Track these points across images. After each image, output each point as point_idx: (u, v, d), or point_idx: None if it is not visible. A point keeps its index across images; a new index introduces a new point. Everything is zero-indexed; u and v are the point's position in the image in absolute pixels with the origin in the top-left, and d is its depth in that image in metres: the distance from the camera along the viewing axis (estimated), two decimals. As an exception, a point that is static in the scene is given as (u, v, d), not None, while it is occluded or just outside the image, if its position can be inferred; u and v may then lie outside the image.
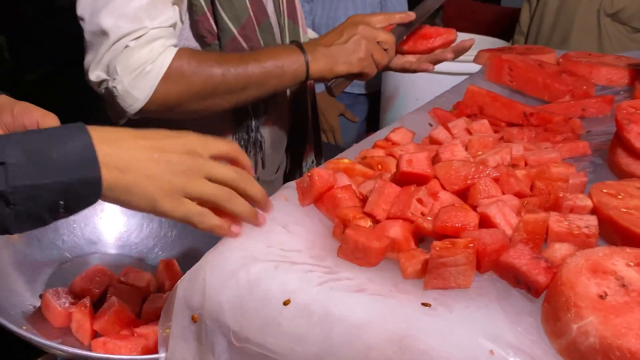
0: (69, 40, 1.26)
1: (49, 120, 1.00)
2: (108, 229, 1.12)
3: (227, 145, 0.81)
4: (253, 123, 1.35)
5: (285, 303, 0.74)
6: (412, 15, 1.36)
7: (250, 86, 1.22)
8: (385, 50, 1.30)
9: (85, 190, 0.69)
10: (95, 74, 1.18)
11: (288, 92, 1.44)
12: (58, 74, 1.92)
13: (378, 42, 1.29)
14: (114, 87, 1.16)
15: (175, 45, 1.20)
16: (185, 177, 0.74)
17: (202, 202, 0.78)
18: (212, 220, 0.77)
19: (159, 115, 1.22)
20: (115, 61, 1.15)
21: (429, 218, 0.82)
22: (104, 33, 1.14)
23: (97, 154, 0.68)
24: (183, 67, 1.18)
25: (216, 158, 0.80)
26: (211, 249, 0.81)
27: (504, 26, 3.03)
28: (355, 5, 2.27)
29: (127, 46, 1.14)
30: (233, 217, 0.81)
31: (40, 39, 2.34)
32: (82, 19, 1.15)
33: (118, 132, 0.74)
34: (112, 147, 0.71)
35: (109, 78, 1.16)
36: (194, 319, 0.78)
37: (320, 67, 1.25)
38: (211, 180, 0.77)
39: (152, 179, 0.72)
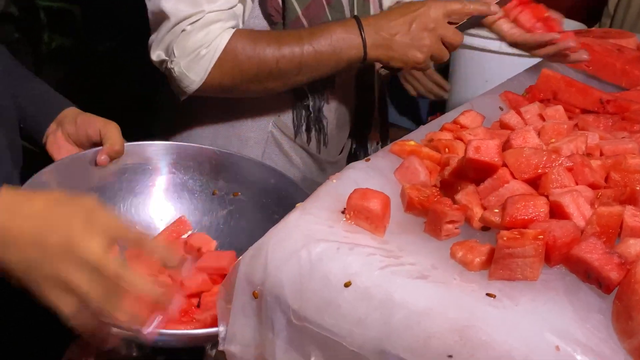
0: (140, 13, 1.28)
1: (110, 128, 1.06)
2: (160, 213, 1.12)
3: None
4: (311, 103, 1.35)
5: (346, 285, 0.74)
6: (494, 8, 1.26)
7: (304, 71, 1.22)
8: (447, 47, 1.23)
9: None
10: (156, 54, 1.21)
11: (354, 74, 1.43)
12: (129, 47, 1.95)
13: (445, 40, 1.22)
14: (172, 68, 1.19)
15: (234, 27, 1.21)
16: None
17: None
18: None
19: (216, 95, 1.25)
20: (173, 43, 1.18)
21: (496, 210, 0.80)
22: (164, 15, 1.17)
23: None
24: (237, 51, 1.19)
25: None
26: (274, 227, 0.81)
27: (579, 7, 2.90)
28: None
29: (184, 30, 1.17)
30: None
31: (112, 10, 2.38)
32: None
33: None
34: None
35: (167, 59, 1.20)
36: (254, 295, 0.78)
37: (377, 55, 1.22)
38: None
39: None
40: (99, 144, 1.07)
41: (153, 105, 1.50)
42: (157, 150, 1.13)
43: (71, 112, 1.12)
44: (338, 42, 1.20)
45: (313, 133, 1.38)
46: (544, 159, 0.84)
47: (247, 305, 0.79)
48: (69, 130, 1.10)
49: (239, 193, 1.13)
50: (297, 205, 0.86)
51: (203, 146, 1.17)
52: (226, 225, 1.11)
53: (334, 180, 0.90)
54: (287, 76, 1.22)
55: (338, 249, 0.77)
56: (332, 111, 1.39)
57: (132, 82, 1.38)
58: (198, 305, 0.97)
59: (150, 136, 1.53)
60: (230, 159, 1.14)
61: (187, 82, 1.20)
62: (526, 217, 0.76)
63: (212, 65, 1.18)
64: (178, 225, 1.09)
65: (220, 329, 0.81)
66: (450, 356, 0.66)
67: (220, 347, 0.80)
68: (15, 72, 1.14)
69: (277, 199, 1.09)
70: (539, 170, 0.83)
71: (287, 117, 1.36)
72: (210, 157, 1.14)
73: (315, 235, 0.79)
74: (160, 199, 1.12)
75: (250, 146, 1.37)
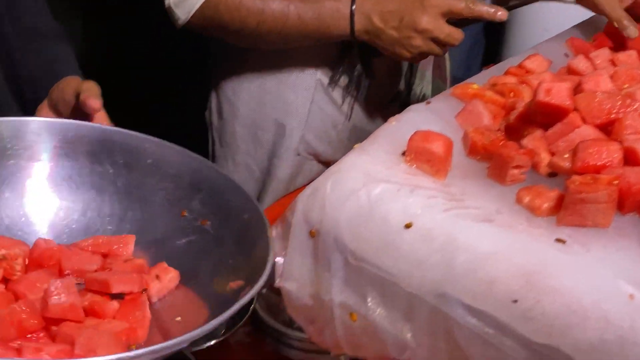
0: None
1: (86, 84, 0.96)
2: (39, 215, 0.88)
3: None
4: (358, 56, 1.31)
5: (407, 226, 0.72)
6: (501, 16, 1.15)
7: (287, 39, 1.22)
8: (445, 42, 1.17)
9: None
10: None
11: None
12: None
13: (438, 40, 1.15)
14: None
15: None
16: None
17: None
18: None
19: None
20: None
21: (566, 156, 0.77)
22: None
23: None
24: (219, 5, 1.18)
25: None
26: (333, 166, 0.80)
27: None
28: None
29: None
30: None
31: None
32: None
33: None
34: None
35: None
36: (312, 234, 0.77)
37: (364, 39, 1.20)
38: None
39: None
40: (76, 108, 0.94)
41: (207, 54, 1.49)
42: (137, 141, 0.90)
43: (64, 79, 1.05)
44: (325, 18, 1.17)
45: (362, 83, 1.36)
46: (618, 103, 0.80)
47: (304, 244, 0.78)
48: (53, 96, 1.01)
49: (208, 221, 0.87)
50: (355, 146, 0.84)
51: (188, 151, 0.90)
52: (181, 257, 0.85)
53: (393, 122, 0.88)
54: (268, 39, 1.22)
55: (398, 190, 0.75)
56: (383, 61, 1.36)
57: (184, 34, 1.38)
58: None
59: (204, 82, 1.52)
60: (217, 179, 0.89)
61: (175, 17, 1.21)
62: (598, 163, 0.73)
63: (195, 9, 1.19)
64: (117, 241, 0.84)
65: (278, 264, 0.80)
66: (515, 301, 0.64)
67: (277, 284, 0.80)
68: (44, 30, 1.13)
69: (241, 238, 0.83)
70: (612, 116, 0.80)
71: (334, 67, 1.34)
72: (195, 168, 0.89)
73: (375, 176, 0.77)
74: (121, 200, 0.89)
75: (298, 92, 1.36)
